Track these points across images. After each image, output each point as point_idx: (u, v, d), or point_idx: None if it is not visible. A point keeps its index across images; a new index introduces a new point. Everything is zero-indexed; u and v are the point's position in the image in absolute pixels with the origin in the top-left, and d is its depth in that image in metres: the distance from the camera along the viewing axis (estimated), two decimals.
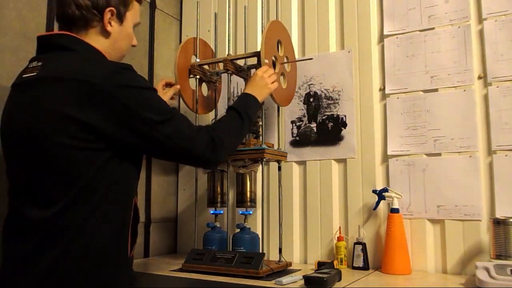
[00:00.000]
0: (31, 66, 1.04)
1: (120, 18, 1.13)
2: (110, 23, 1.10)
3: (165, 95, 1.58)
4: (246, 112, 1.32)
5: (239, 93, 1.85)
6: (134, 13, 1.19)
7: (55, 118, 0.95)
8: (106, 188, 0.99)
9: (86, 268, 0.96)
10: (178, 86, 1.56)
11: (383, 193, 1.60)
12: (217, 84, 1.89)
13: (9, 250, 0.99)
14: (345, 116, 1.76)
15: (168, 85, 1.64)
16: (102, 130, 0.96)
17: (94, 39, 1.09)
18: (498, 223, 1.38)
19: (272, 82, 1.47)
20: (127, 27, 1.16)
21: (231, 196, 1.87)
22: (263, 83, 1.43)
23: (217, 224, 1.75)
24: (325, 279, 1.27)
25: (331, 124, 1.79)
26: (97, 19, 1.08)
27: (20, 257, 0.95)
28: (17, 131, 1.00)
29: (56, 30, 1.10)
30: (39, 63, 1.03)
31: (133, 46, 1.23)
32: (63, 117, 0.94)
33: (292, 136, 1.87)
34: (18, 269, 0.95)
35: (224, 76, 1.80)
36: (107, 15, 1.09)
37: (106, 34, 1.10)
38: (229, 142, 1.21)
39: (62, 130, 0.95)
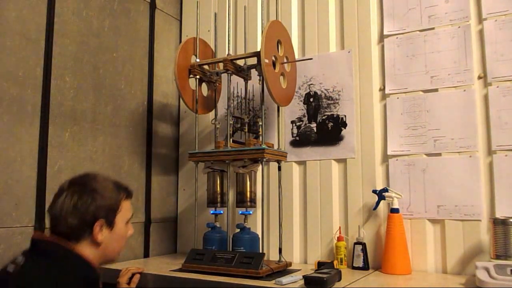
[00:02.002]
0: (17, 261, 1.07)
1: (110, 225, 1.15)
2: (100, 233, 1.12)
3: (128, 286, 1.49)
4: None
5: (239, 93, 1.86)
6: (125, 213, 1.20)
7: None
8: None
9: None
10: (138, 276, 1.48)
11: (383, 193, 1.60)
12: (217, 84, 1.89)
13: None
14: (345, 116, 1.76)
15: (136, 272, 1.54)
16: None
17: (85, 249, 1.11)
18: (498, 223, 1.38)
19: None
20: (118, 230, 1.17)
21: (231, 196, 1.87)
22: None
23: (217, 224, 1.74)
24: (325, 279, 1.27)
25: (331, 124, 1.79)
26: (88, 233, 1.10)
27: None
28: None
29: (48, 237, 1.11)
30: (21, 261, 1.06)
31: (130, 236, 1.24)
32: None
33: (292, 136, 1.87)
34: None
35: (224, 76, 1.80)
36: (97, 229, 1.11)
37: (97, 244, 1.12)
38: None
39: None
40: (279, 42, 1.66)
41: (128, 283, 1.47)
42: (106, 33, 1.85)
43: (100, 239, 1.11)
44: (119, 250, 1.19)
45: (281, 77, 1.66)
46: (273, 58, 1.59)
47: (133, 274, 1.49)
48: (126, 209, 1.20)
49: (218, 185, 1.75)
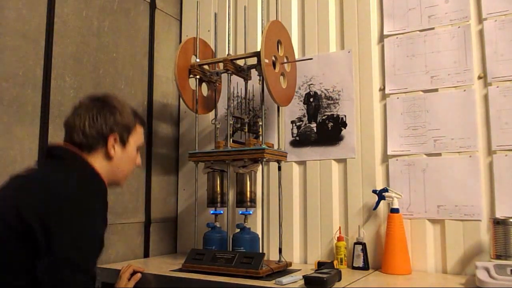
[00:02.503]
0: (32, 167, 1.11)
1: (123, 142, 1.18)
2: (113, 147, 1.15)
3: (129, 283, 1.43)
4: None
5: (239, 93, 1.86)
6: (137, 137, 1.23)
7: (10, 213, 0.96)
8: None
9: None
10: (139, 275, 1.50)
11: (383, 193, 1.60)
12: (217, 84, 1.89)
13: None
14: (345, 116, 1.76)
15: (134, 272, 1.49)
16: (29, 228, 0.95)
17: (96, 161, 1.14)
18: (498, 223, 1.38)
19: None
20: (130, 151, 1.20)
21: (231, 196, 1.87)
22: None
23: (217, 224, 1.75)
24: (325, 279, 1.27)
25: (331, 124, 1.79)
26: (101, 144, 1.14)
27: None
28: None
29: (62, 143, 1.15)
30: (36, 167, 1.12)
31: (138, 166, 1.27)
32: (15, 214, 0.95)
33: (292, 136, 1.87)
34: None
35: (224, 76, 1.80)
36: (111, 141, 1.14)
37: (108, 158, 1.15)
38: None
39: (10, 225, 0.96)
40: (279, 42, 1.66)
41: (129, 279, 1.46)
42: (106, 33, 1.85)
43: (112, 153, 1.14)
44: (127, 173, 1.22)
45: (281, 77, 1.66)
46: (273, 58, 1.59)
47: (134, 272, 1.49)
48: (139, 133, 1.24)
49: (218, 185, 1.75)
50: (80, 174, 1.09)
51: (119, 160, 1.17)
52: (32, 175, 1.06)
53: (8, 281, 0.95)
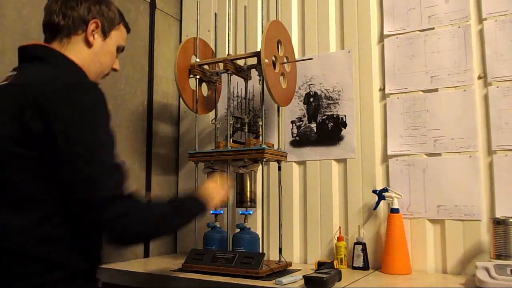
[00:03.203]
0: (8, 75, 1.07)
1: (104, 33, 1.15)
2: (93, 35, 1.12)
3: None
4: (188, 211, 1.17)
5: (239, 93, 1.86)
6: (120, 35, 1.20)
7: (3, 121, 0.95)
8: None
9: None
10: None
11: (383, 193, 1.60)
12: (217, 84, 1.89)
13: None
14: (345, 116, 1.76)
15: None
16: (35, 136, 0.93)
17: (75, 48, 1.10)
18: (498, 223, 1.38)
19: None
20: (110, 45, 1.17)
21: (231, 196, 1.87)
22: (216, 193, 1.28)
23: (217, 224, 1.75)
24: (325, 279, 1.27)
25: (331, 124, 1.79)
26: (82, 29, 1.11)
27: None
28: None
29: (34, 41, 1.12)
30: (14, 73, 1.06)
31: (114, 70, 1.22)
32: (10, 120, 0.94)
33: (292, 136, 1.87)
34: None
35: (224, 76, 1.80)
36: (91, 26, 1.11)
37: (87, 44, 1.12)
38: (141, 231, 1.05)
39: (8, 134, 0.94)
40: (279, 42, 1.66)
41: None
42: None
43: (92, 40, 1.11)
44: (104, 68, 1.17)
45: (281, 77, 1.66)
46: (273, 58, 1.59)
47: None
48: (123, 33, 1.20)
49: None
50: (68, 69, 1.05)
51: (98, 50, 1.13)
52: (14, 82, 1.01)
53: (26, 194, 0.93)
